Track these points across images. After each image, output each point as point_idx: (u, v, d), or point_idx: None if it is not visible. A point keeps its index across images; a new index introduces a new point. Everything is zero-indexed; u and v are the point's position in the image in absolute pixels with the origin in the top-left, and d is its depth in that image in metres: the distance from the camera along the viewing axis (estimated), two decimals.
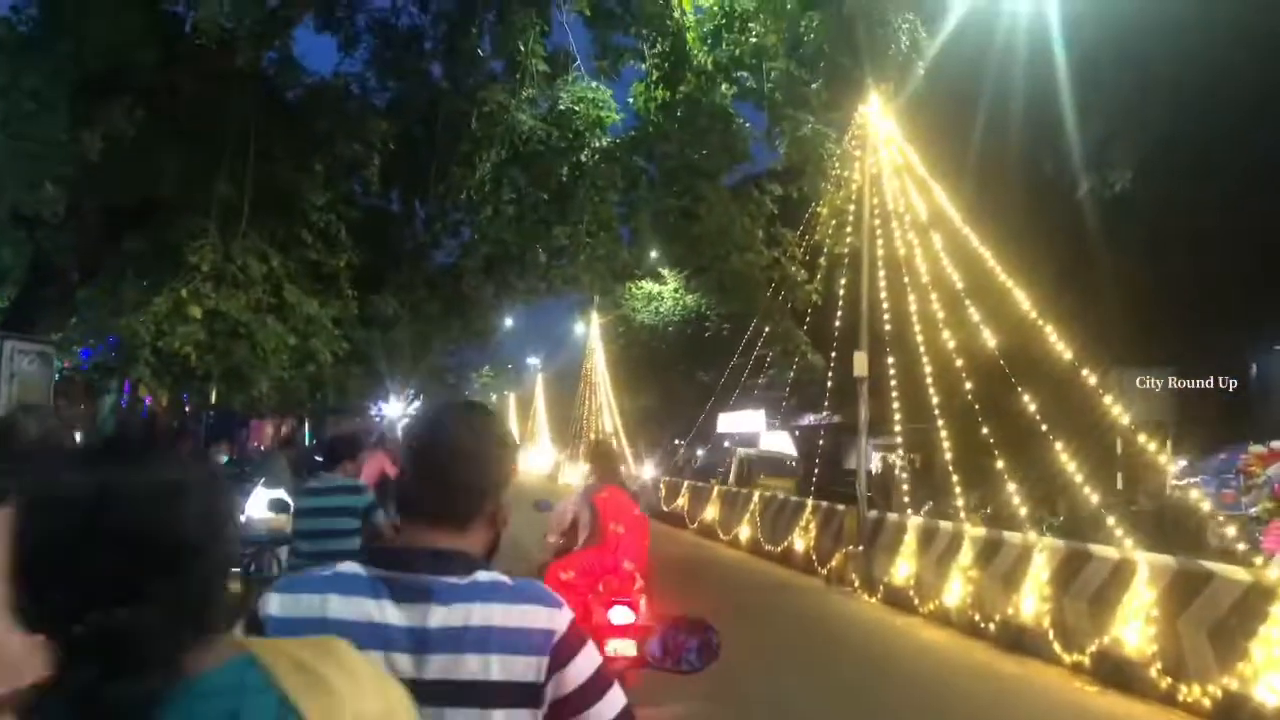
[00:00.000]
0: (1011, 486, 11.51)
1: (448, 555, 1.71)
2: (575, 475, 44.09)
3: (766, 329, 18.00)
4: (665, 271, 38.86)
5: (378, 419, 44.51)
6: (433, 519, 1.74)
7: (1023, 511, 10.88)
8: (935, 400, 12.31)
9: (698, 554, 19.12)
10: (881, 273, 13.89)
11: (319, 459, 6.86)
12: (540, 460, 58.71)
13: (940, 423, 12.26)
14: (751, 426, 41.99)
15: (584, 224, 13.53)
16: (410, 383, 46.54)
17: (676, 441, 46.34)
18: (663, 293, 42.17)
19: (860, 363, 14.28)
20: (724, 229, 13.88)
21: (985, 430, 11.50)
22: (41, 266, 15.49)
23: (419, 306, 16.75)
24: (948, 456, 12.14)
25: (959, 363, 11.91)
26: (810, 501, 16.19)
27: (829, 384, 15.77)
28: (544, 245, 14.69)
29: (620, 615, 6.95)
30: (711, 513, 21.64)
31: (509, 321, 55.77)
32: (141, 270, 15.13)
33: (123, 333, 12.98)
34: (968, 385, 11.76)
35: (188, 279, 13.64)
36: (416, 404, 54.05)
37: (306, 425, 30.43)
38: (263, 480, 9.94)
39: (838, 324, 15.21)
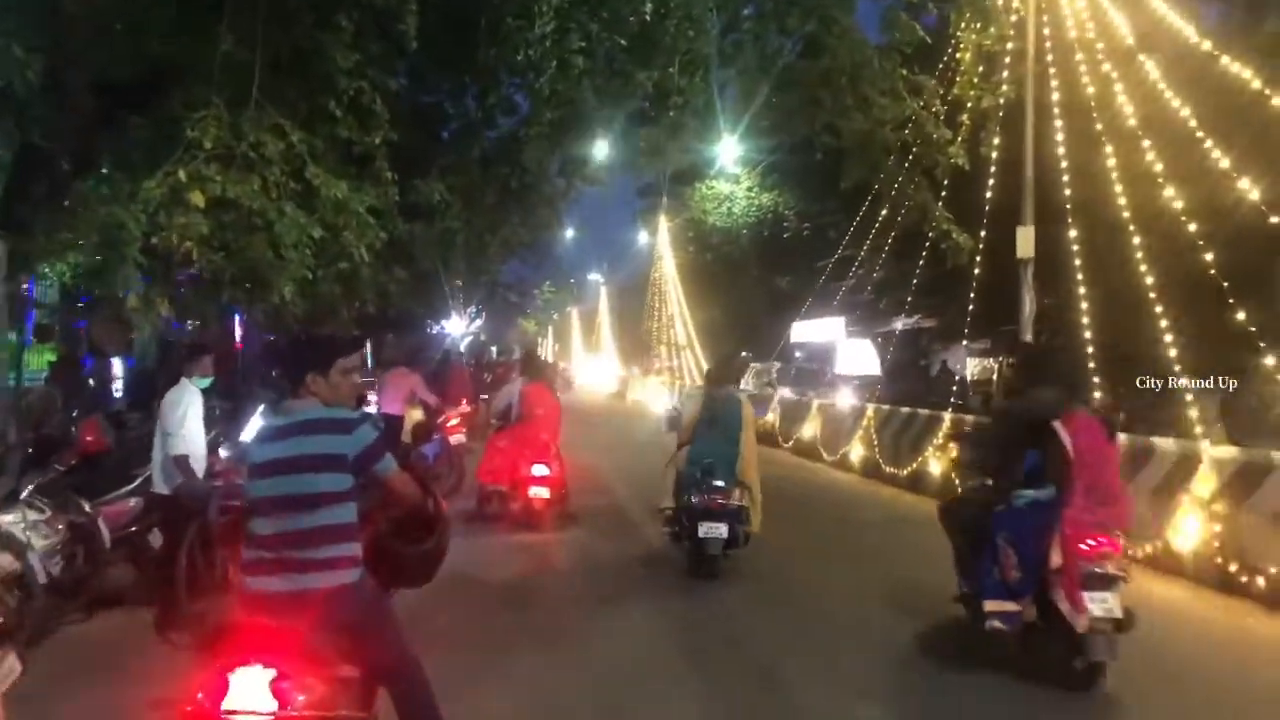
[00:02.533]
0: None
1: None
2: (646, 393, 41.61)
3: (880, 213, 14.95)
4: (740, 170, 35.67)
5: (443, 336, 42.23)
6: None
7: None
8: (1149, 280, 9.25)
9: (800, 477, 16.44)
10: (1058, 123, 10.79)
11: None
12: (605, 377, 56.18)
13: (1158, 309, 9.20)
14: (828, 335, 38.96)
15: (675, 67, 10.56)
16: (471, 299, 44.13)
17: (744, 354, 43.45)
18: (735, 193, 38.95)
19: (1025, 240, 11.30)
20: (859, 67, 10.81)
21: (1240, 314, 8.47)
22: (29, 158, 13.12)
23: (470, 193, 13.98)
24: (1169, 352, 9.13)
25: (1192, 227, 8.84)
26: (948, 415, 13.38)
27: (975, 272, 12.72)
28: (622, 103, 11.76)
29: (539, 470, 10.51)
30: (811, 430, 18.93)
31: (570, 232, 53.18)
32: (143, 155, 12.59)
33: (106, 225, 10.42)
34: (1208, 256, 8.69)
35: (188, 159, 11.06)
36: (479, 322, 51.81)
37: (367, 347, 27.37)
38: (258, 412, 7.34)
39: (989, 194, 12.16)
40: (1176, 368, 8.93)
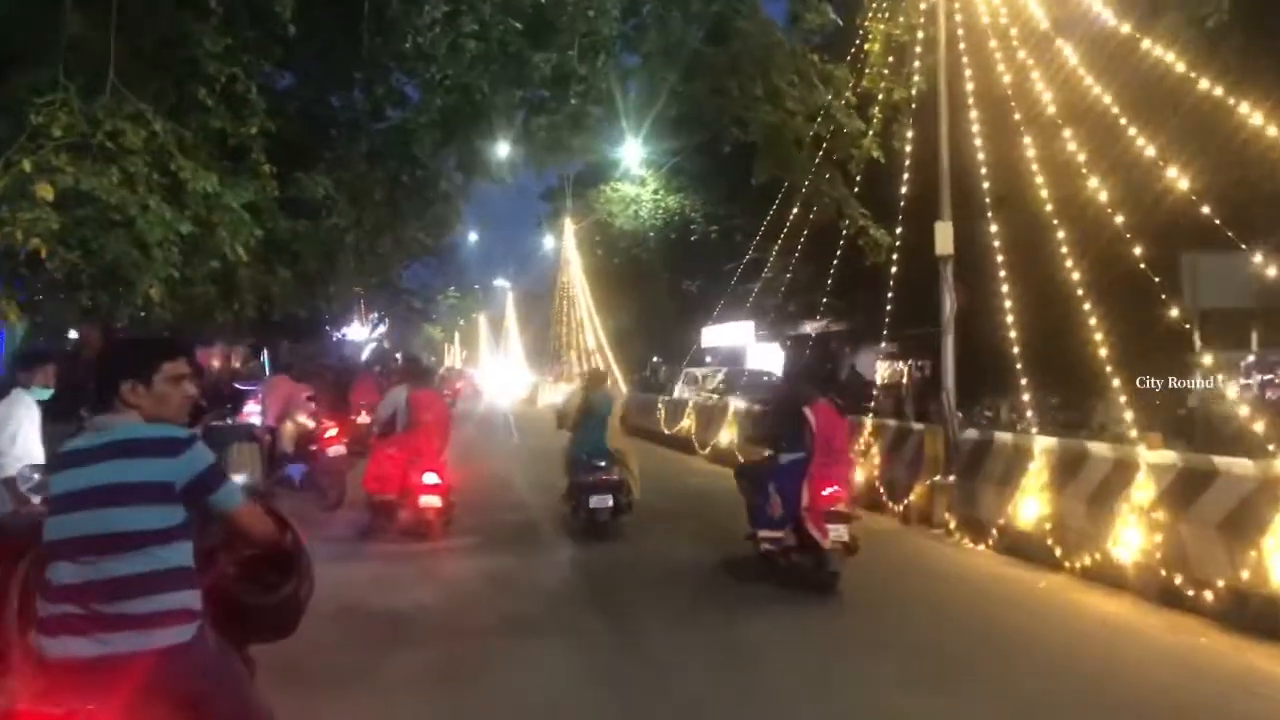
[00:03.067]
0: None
1: None
2: (556, 399, 40.77)
3: (791, 212, 14.38)
4: (645, 172, 35.13)
5: (344, 343, 40.70)
6: None
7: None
8: (1076, 275, 8.82)
9: (720, 486, 15.82)
10: (973, 113, 10.37)
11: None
12: (515, 383, 55.34)
13: (1086, 305, 8.76)
14: (738, 340, 38.64)
15: (574, 50, 9.82)
16: (373, 305, 42.60)
17: (655, 360, 42.98)
18: (641, 195, 38.40)
19: (944, 236, 10.87)
20: (767, 50, 10.24)
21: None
22: None
23: (359, 188, 13.04)
24: (1099, 350, 8.70)
25: (1119, 219, 8.41)
26: (869, 420, 12.91)
27: (893, 270, 12.28)
28: (519, 89, 10.98)
29: (430, 478, 10.37)
30: (728, 437, 18.37)
31: (473, 236, 51.99)
32: None
33: None
34: (1136, 249, 8.26)
35: (34, 148, 9.91)
36: (381, 328, 50.30)
37: (265, 354, 25.48)
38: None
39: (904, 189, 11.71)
40: (1108, 368, 8.52)
